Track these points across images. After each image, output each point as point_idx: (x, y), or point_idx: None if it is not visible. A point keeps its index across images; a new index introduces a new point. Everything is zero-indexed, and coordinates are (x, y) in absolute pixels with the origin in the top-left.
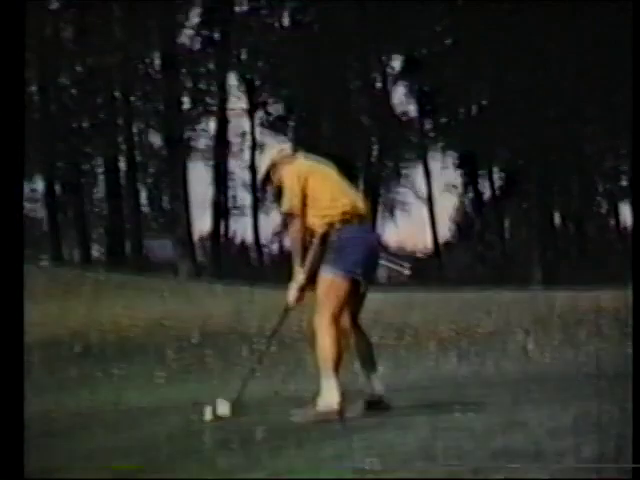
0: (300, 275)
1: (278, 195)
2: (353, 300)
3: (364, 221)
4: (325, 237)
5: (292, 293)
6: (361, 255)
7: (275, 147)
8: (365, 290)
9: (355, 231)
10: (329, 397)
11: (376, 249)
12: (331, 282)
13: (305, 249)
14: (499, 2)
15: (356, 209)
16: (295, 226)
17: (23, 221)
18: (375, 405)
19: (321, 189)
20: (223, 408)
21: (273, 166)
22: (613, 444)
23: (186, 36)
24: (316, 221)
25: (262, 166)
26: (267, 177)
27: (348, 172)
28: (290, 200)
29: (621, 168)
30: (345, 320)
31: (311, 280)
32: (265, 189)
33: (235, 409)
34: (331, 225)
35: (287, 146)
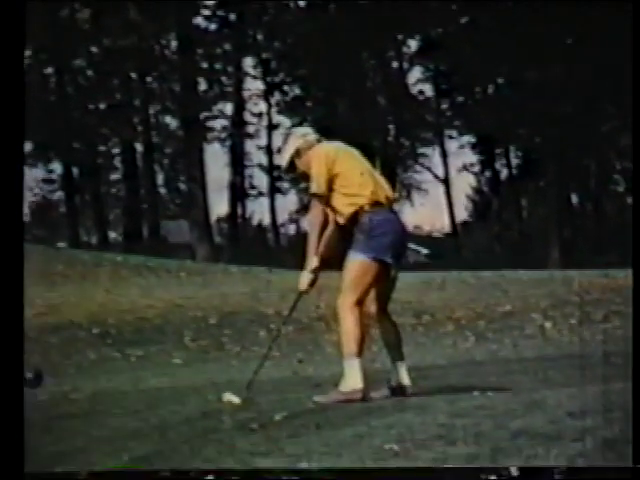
0: (313, 260)
1: (304, 179)
2: (383, 286)
3: (391, 205)
4: (352, 219)
5: (304, 278)
6: (391, 239)
7: (299, 132)
8: (395, 275)
9: (385, 214)
10: (352, 380)
11: (405, 233)
12: (360, 265)
13: (322, 234)
14: None
15: (384, 192)
16: (316, 209)
17: (22, 203)
18: (398, 394)
19: (349, 171)
20: (231, 396)
21: (297, 152)
22: (629, 424)
23: (202, 17)
24: (344, 201)
25: (286, 153)
26: (292, 164)
27: (365, 152)
28: (317, 182)
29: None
30: (370, 303)
31: (325, 263)
32: (289, 175)
33: (250, 390)
34: (361, 207)
35: (311, 130)
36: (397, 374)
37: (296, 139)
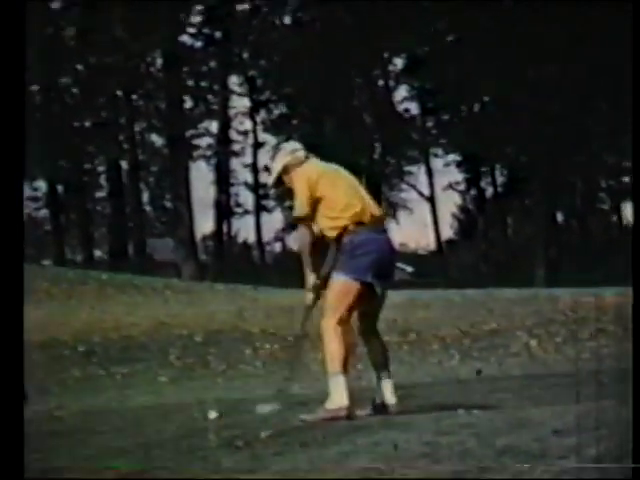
0: (310, 278)
1: (290, 196)
2: (368, 305)
3: (377, 224)
4: (337, 240)
5: (308, 297)
6: (373, 258)
7: (288, 148)
8: (383, 294)
9: (368, 234)
10: (337, 398)
11: (390, 251)
12: (341, 286)
13: (314, 253)
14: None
15: (368, 212)
16: (303, 229)
17: (23, 222)
18: (382, 412)
19: (332, 192)
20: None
21: (285, 169)
22: (616, 443)
23: (187, 35)
24: (328, 224)
25: (274, 169)
26: (279, 179)
27: (351, 170)
28: (301, 205)
29: (623, 165)
30: (354, 322)
31: (325, 282)
32: (277, 190)
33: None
34: (344, 228)
35: (300, 146)
36: (382, 393)
37: (284, 155)
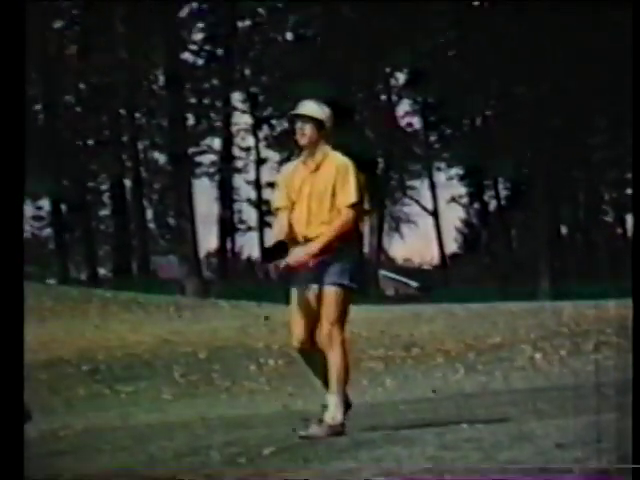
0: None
1: (290, 145)
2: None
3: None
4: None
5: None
6: (356, 265)
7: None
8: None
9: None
10: (338, 412)
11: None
12: (341, 294)
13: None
14: (502, 14)
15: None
16: (282, 223)
17: (23, 239)
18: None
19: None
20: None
21: (321, 123)
22: (620, 455)
23: (189, 52)
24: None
25: (310, 108)
26: (293, 126)
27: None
28: (355, 190)
29: (627, 177)
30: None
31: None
32: (283, 133)
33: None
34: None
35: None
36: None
37: (326, 111)
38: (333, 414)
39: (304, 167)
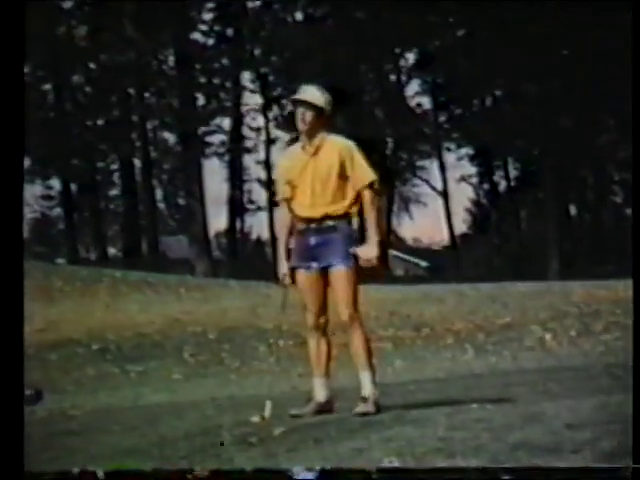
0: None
1: (291, 129)
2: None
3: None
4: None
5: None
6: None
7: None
8: None
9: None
10: (374, 387)
11: None
12: (352, 274)
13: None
14: None
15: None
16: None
17: (22, 219)
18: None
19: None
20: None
21: (321, 110)
22: (631, 436)
23: (199, 32)
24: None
25: (312, 95)
26: (293, 113)
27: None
28: (371, 169)
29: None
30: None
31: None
32: (286, 116)
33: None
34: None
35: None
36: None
37: (326, 98)
38: (371, 390)
39: (303, 152)
